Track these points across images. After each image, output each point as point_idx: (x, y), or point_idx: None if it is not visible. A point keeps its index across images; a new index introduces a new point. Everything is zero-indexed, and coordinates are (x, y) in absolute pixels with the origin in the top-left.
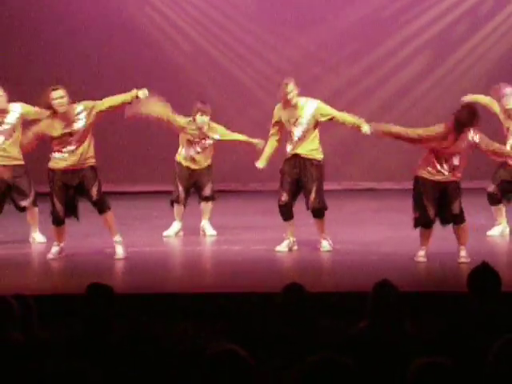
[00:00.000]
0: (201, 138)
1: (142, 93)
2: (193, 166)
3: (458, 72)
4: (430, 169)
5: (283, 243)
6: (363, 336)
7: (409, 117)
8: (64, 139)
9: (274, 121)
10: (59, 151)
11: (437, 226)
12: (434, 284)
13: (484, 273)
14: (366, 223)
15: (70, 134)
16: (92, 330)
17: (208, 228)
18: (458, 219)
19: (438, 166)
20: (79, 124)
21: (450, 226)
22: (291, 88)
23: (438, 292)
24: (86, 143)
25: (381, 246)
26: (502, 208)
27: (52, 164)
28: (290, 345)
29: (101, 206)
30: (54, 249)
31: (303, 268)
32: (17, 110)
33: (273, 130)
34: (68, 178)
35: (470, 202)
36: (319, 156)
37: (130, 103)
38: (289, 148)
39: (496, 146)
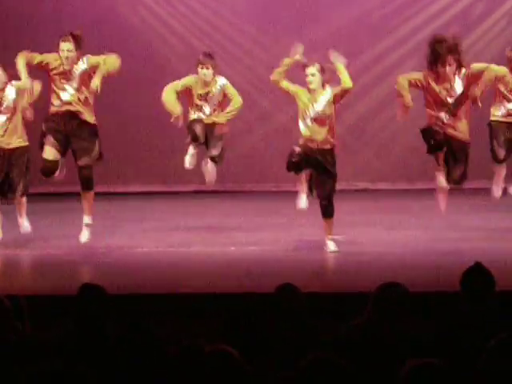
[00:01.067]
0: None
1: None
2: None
3: None
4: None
5: (302, 199)
6: (357, 335)
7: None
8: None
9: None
10: None
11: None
12: (427, 284)
13: (477, 273)
14: (360, 224)
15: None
16: (84, 331)
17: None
18: None
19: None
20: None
21: None
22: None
23: (431, 292)
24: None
25: (375, 247)
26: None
27: None
28: (283, 345)
29: None
30: None
31: (297, 269)
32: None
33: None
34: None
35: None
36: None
37: None
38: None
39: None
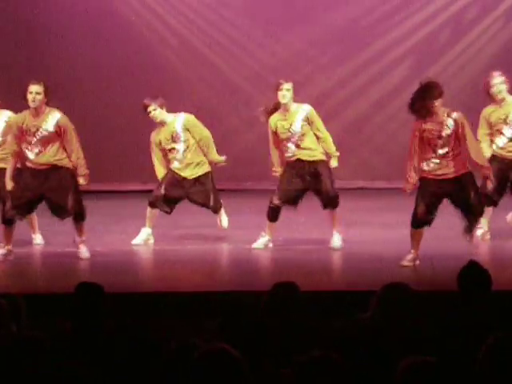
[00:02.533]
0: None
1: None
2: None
3: (449, 73)
4: None
5: (259, 240)
6: (355, 333)
7: (400, 117)
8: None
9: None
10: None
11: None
12: (424, 283)
13: (473, 271)
14: (357, 223)
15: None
16: (81, 329)
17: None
18: None
19: None
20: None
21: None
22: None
23: (428, 291)
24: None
25: (373, 246)
26: (490, 211)
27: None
28: (281, 343)
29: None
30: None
31: (296, 266)
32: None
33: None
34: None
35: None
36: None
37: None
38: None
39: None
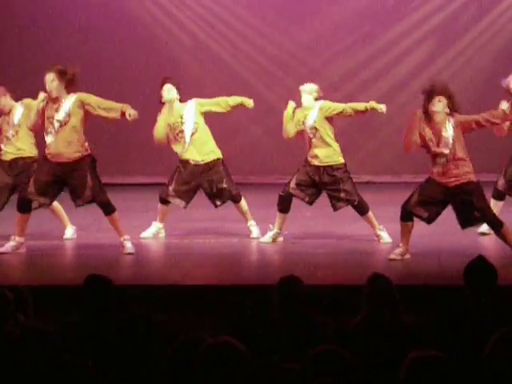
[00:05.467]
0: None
1: (133, 113)
2: None
3: (459, 63)
4: None
5: (267, 234)
6: (359, 329)
7: (408, 109)
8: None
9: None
10: None
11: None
12: (430, 277)
13: (480, 266)
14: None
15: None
16: (89, 321)
17: None
18: None
19: None
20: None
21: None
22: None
23: (434, 285)
24: None
25: (378, 240)
26: (499, 204)
27: None
28: (286, 337)
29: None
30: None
31: (299, 261)
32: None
33: None
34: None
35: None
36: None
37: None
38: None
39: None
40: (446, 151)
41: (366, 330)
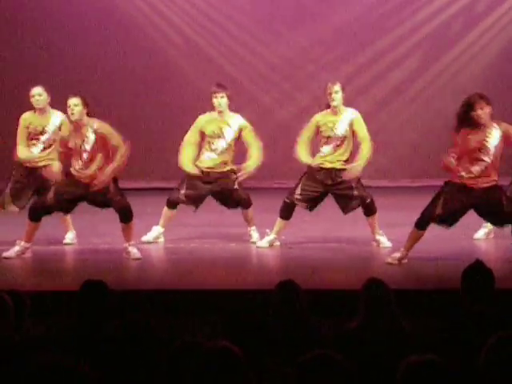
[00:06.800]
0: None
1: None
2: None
3: (454, 69)
4: None
5: (265, 239)
6: (356, 333)
7: (404, 114)
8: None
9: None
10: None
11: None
12: (428, 282)
13: (477, 271)
14: (359, 221)
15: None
16: (85, 326)
17: None
18: None
19: None
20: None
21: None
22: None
23: (431, 290)
24: None
25: (378, 244)
26: None
27: None
28: (283, 342)
29: None
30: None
31: (297, 265)
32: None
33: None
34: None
35: None
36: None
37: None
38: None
39: None
40: (488, 159)
41: (363, 334)
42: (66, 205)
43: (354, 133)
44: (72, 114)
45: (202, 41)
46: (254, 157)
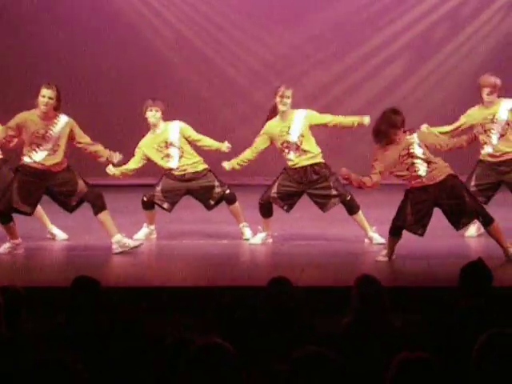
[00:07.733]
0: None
1: (115, 156)
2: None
3: (445, 68)
4: None
5: (257, 236)
6: (348, 331)
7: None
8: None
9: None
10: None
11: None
12: (423, 279)
13: (476, 268)
14: (350, 218)
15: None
16: (77, 323)
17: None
18: None
19: None
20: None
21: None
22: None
23: (423, 287)
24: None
25: (370, 241)
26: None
27: None
28: (275, 338)
29: None
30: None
31: (289, 262)
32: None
33: None
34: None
35: None
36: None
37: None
38: None
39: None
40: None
41: (355, 331)
42: (33, 200)
43: (312, 127)
44: (45, 105)
45: (194, 37)
46: (210, 141)
